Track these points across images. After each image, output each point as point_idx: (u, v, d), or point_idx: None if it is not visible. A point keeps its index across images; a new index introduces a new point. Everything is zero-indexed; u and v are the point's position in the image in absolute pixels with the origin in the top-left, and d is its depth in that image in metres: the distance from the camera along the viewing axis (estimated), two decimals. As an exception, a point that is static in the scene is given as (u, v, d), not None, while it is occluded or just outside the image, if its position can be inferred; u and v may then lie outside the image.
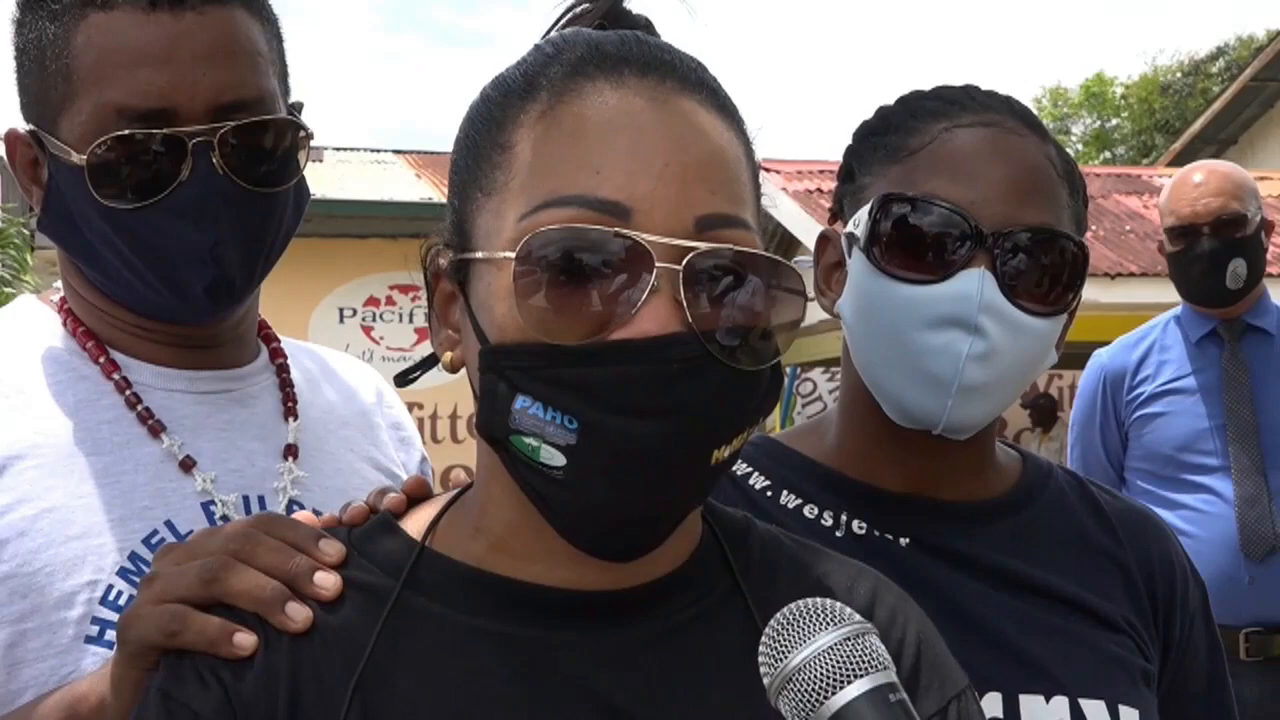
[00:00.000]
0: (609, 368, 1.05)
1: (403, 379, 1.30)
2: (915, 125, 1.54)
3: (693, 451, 1.08)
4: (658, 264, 1.05)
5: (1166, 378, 4.02)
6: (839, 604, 1.05)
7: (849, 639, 1.01)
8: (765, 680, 1.03)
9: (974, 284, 1.46)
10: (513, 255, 1.06)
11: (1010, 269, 1.47)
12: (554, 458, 1.07)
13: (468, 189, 1.14)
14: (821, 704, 0.99)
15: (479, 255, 1.11)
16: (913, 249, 1.49)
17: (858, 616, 1.04)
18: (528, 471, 1.09)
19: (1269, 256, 4.09)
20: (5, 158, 1.63)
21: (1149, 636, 1.62)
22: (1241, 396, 3.93)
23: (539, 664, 1.13)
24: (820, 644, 1.01)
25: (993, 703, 1.49)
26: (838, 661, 1.00)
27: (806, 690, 1.00)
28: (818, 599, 1.05)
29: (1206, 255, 3.89)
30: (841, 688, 0.99)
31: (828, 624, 1.02)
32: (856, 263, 1.54)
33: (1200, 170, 4.04)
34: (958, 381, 1.47)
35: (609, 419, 1.05)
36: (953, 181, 1.49)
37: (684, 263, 1.05)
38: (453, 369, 1.17)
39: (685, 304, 1.05)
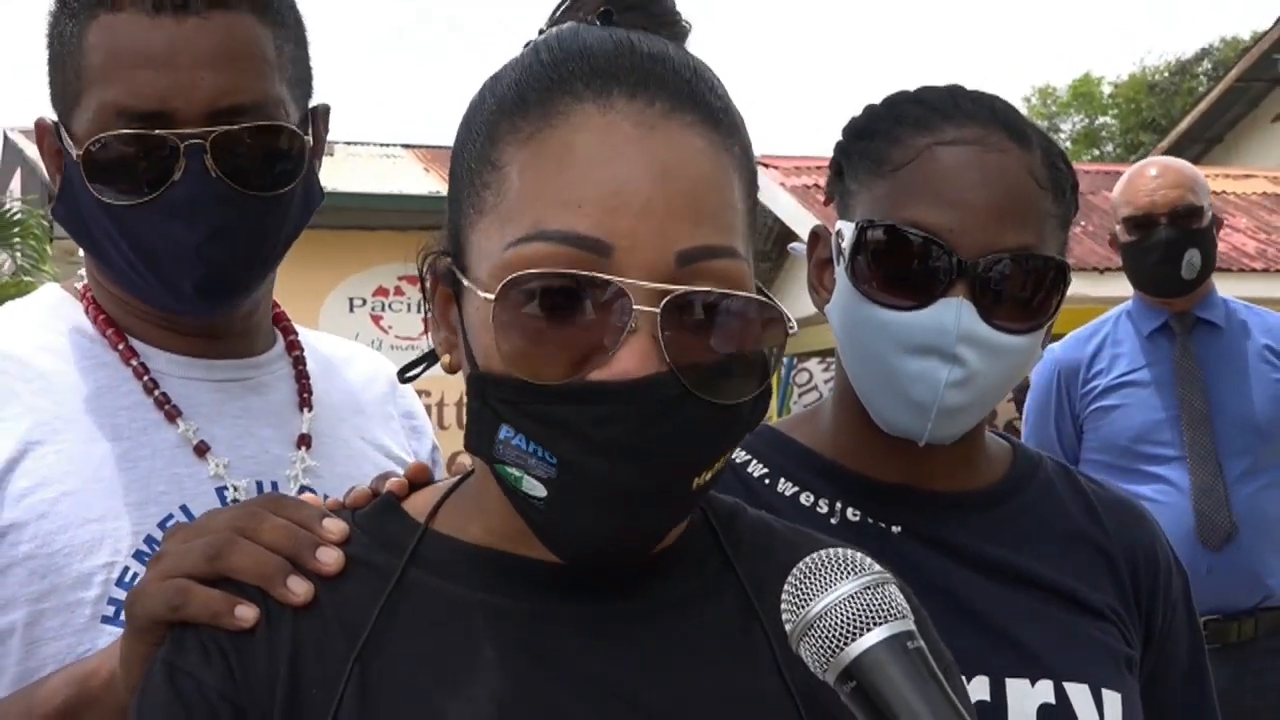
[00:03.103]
0: (587, 408, 1.06)
1: (403, 375, 1.30)
2: (899, 134, 1.55)
3: (673, 485, 1.10)
4: (635, 306, 1.05)
5: (1121, 370, 4.04)
6: (859, 554, 1.07)
7: (869, 588, 1.03)
8: (787, 627, 1.05)
9: (951, 315, 1.49)
10: (492, 297, 1.07)
11: (990, 294, 1.50)
12: (535, 489, 1.09)
13: (461, 201, 1.16)
14: (841, 650, 1.01)
15: (465, 283, 1.13)
16: (892, 276, 1.52)
17: (877, 566, 1.05)
18: (513, 496, 1.11)
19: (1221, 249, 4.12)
20: (25, 148, 1.68)
21: (1133, 624, 1.65)
22: (1194, 387, 3.94)
23: (535, 636, 1.15)
24: (841, 592, 1.03)
25: (980, 685, 1.52)
26: (857, 609, 1.02)
27: (826, 637, 1.02)
28: (839, 549, 1.07)
29: (1163, 245, 3.92)
30: (861, 635, 1.01)
31: (848, 573, 1.04)
32: (841, 278, 1.57)
33: (1155, 165, 4.09)
34: (937, 405, 1.51)
35: (587, 459, 1.07)
36: (933, 207, 1.50)
37: (662, 304, 1.06)
38: (451, 370, 1.18)
39: (663, 343, 1.06)
